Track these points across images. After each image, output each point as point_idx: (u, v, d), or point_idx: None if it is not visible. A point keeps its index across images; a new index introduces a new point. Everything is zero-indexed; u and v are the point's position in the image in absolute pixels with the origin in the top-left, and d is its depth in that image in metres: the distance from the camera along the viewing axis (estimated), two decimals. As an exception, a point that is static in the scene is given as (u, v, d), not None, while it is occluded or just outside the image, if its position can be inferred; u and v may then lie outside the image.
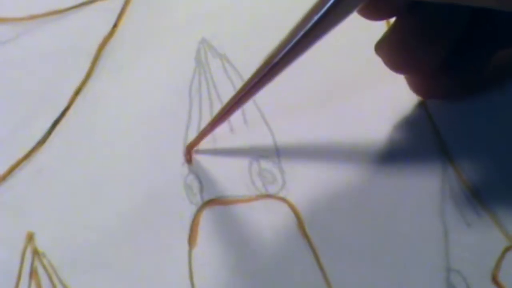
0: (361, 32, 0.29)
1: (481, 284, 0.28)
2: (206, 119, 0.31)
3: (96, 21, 0.33)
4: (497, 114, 0.30)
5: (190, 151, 0.30)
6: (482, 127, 0.30)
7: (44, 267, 0.29)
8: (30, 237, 0.29)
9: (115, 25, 0.33)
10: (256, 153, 0.30)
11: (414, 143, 0.30)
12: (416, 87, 0.30)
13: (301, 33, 0.24)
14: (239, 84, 0.31)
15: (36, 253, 0.29)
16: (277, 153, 0.30)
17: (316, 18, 0.24)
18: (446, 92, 0.30)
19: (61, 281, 0.28)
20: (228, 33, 0.33)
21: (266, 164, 0.30)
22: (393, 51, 0.28)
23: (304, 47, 0.25)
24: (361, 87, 0.31)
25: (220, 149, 0.30)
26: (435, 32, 0.27)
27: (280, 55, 0.25)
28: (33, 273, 0.29)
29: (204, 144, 0.30)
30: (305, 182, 0.30)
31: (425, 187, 0.29)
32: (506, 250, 0.28)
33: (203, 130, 0.29)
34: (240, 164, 0.30)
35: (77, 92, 0.32)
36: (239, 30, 0.33)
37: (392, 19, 0.28)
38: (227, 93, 0.31)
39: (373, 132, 0.30)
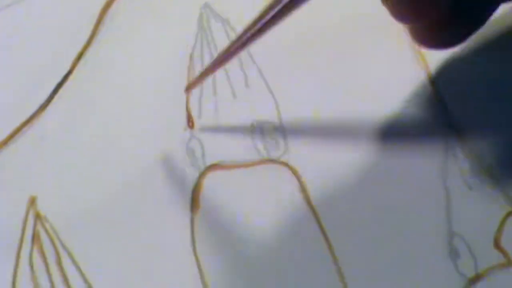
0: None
1: (483, 248, 0.28)
2: (208, 84, 0.31)
3: (98, -15, 0.33)
4: (499, 81, 0.30)
5: (189, 91, 0.30)
6: (483, 92, 0.30)
7: (46, 231, 0.29)
8: (32, 201, 0.29)
9: (117, -11, 0.33)
10: (258, 117, 0.30)
11: (417, 111, 0.30)
12: (419, 37, 0.29)
13: None
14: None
15: (38, 217, 0.29)
16: (280, 117, 0.30)
17: None
18: (449, 41, 0.30)
19: (63, 245, 0.28)
20: (231, -3, 0.33)
21: (268, 129, 0.30)
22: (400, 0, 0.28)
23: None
24: (366, 54, 0.31)
25: (222, 113, 0.30)
26: None
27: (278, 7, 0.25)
28: (35, 236, 0.29)
29: (207, 109, 0.30)
30: (308, 147, 0.30)
31: (427, 153, 0.29)
32: (508, 215, 0.28)
33: (205, 70, 0.29)
34: (242, 128, 0.30)
35: (80, 56, 0.32)
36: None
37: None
38: (229, 58, 0.31)
39: (378, 99, 0.30)
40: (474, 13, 0.28)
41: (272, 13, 0.25)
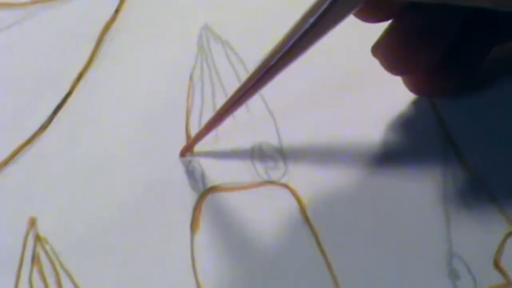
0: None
1: (483, 269, 0.28)
2: (208, 106, 0.31)
3: (97, 6, 0.33)
4: (498, 102, 0.31)
5: (189, 150, 0.30)
6: (483, 114, 0.30)
7: (46, 252, 0.29)
8: (32, 222, 0.29)
9: (117, 10, 0.33)
10: (258, 139, 0.30)
11: (417, 130, 0.30)
12: (413, 86, 0.30)
13: (298, 35, 0.24)
14: (241, 71, 0.32)
15: (38, 238, 0.29)
16: (279, 139, 0.30)
17: (312, 20, 0.24)
18: (444, 89, 0.30)
19: (63, 267, 0.28)
20: (231, 19, 0.33)
21: (268, 150, 0.30)
22: (390, 53, 0.28)
23: (302, 48, 0.25)
24: (365, 77, 0.31)
25: (221, 135, 0.30)
26: (432, 33, 0.27)
27: (278, 56, 0.25)
28: (35, 258, 0.29)
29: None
30: (307, 168, 0.30)
31: (427, 174, 0.29)
32: (508, 235, 0.28)
33: (202, 130, 0.29)
34: (242, 150, 0.30)
35: (79, 78, 0.32)
36: (241, 16, 0.33)
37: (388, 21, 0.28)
38: (229, 79, 0.31)
39: (376, 119, 0.31)
40: (465, 64, 0.29)
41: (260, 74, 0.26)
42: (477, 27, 0.28)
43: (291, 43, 0.25)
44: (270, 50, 0.25)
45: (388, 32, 0.28)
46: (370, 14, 0.26)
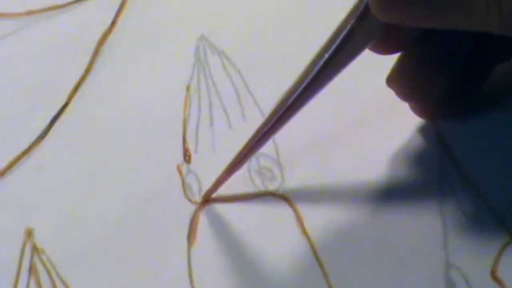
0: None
1: (480, 280, 0.28)
2: (205, 116, 0.31)
3: (94, 17, 0.33)
4: (499, 119, 0.31)
5: (208, 200, 0.30)
6: (480, 128, 0.30)
7: (43, 263, 0.29)
8: (29, 233, 0.29)
9: (113, 22, 0.33)
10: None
11: (413, 140, 0.30)
12: (421, 112, 0.30)
13: (314, 72, 0.25)
14: (238, 81, 0.32)
15: (35, 249, 0.29)
16: (276, 149, 0.30)
17: (326, 57, 0.24)
18: (451, 113, 0.30)
19: (60, 278, 0.28)
20: (227, 30, 0.33)
21: (265, 161, 0.30)
22: (404, 82, 0.28)
23: (316, 88, 0.25)
24: (363, 87, 0.31)
25: (219, 145, 0.30)
26: (443, 61, 0.28)
27: (293, 98, 0.25)
28: (32, 269, 0.29)
29: (203, 141, 0.30)
30: (304, 179, 0.30)
31: (424, 185, 0.29)
32: (505, 246, 0.28)
33: (218, 179, 0.29)
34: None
35: (76, 88, 0.32)
36: (238, 27, 0.33)
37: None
38: (226, 90, 0.31)
39: (374, 129, 0.31)
40: (470, 86, 0.29)
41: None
42: (481, 49, 0.28)
43: (308, 80, 0.25)
44: (288, 88, 0.26)
45: (401, 63, 0.28)
46: (383, 46, 0.26)
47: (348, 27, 0.24)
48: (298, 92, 0.25)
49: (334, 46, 0.24)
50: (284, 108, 0.26)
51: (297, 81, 0.25)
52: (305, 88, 0.25)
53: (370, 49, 0.26)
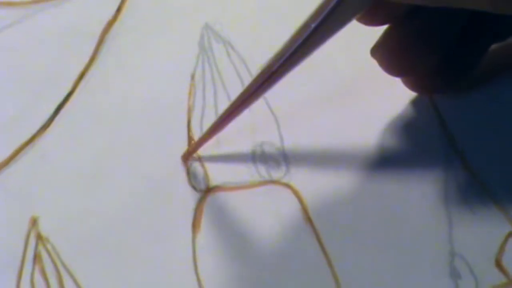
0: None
1: (484, 268, 0.28)
2: (210, 105, 0.31)
3: (99, 5, 0.33)
4: (498, 101, 0.31)
5: (191, 155, 0.30)
6: (484, 114, 0.30)
7: (47, 251, 0.29)
8: (34, 222, 0.29)
9: (118, 9, 0.33)
10: (260, 139, 0.30)
11: (418, 132, 0.30)
12: (412, 86, 0.30)
13: (300, 40, 0.24)
14: (242, 70, 0.32)
15: (39, 237, 0.29)
16: (281, 139, 0.30)
17: (314, 25, 0.24)
18: (443, 88, 0.30)
19: (64, 266, 0.28)
20: (232, 18, 0.33)
21: (269, 150, 0.30)
22: (389, 55, 0.28)
23: (304, 54, 0.25)
24: (367, 77, 0.31)
25: (223, 135, 0.30)
26: (432, 36, 0.27)
27: (281, 61, 0.25)
28: (36, 257, 0.29)
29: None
30: (309, 168, 0.30)
31: (429, 174, 0.29)
32: (509, 234, 0.28)
33: (204, 135, 0.29)
34: (243, 150, 0.30)
35: (81, 77, 0.32)
36: (243, 15, 0.33)
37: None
38: (231, 79, 0.31)
39: (377, 120, 0.31)
40: (463, 63, 0.29)
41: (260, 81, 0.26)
42: (475, 27, 0.28)
43: (293, 48, 0.25)
44: (272, 56, 0.26)
45: (387, 35, 0.28)
46: (371, 18, 0.26)
47: None
48: (281, 61, 0.25)
49: (321, 17, 0.24)
50: (268, 73, 0.26)
51: (280, 50, 0.25)
52: (288, 58, 0.25)
53: (357, 20, 0.26)
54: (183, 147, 0.30)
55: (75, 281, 0.28)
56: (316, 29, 0.24)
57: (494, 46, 0.29)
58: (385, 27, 0.28)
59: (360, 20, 0.26)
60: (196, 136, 0.30)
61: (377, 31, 0.28)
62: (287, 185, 0.29)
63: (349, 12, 0.24)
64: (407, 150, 0.30)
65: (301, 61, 0.25)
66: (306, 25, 0.24)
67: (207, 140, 0.29)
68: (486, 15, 0.23)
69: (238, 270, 0.28)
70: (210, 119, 0.30)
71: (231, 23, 0.32)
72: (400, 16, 0.27)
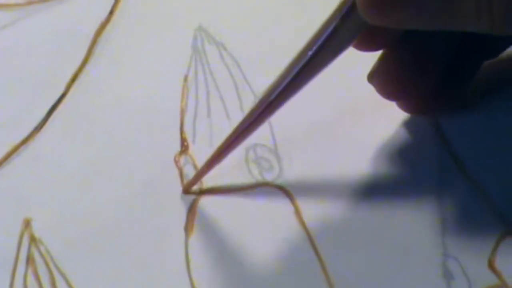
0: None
1: (477, 270, 0.28)
2: (203, 107, 0.31)
3: (92, 7, 0.33)
4: (492, 113, 0.31)
5: (191, 187, 0.30)
6: (476, 122, 0.30)
7: (40, 253, 0.29)
8: (27, 224, 0.29)
9: (111, 12, 0.33)
10: (252, 140, 0.30)
11: (414, 134, 0.30)
12: (408, 109, 0.30)
13: (297, 68, 0.25)
14: (235, 72, 0.32)
15: (33, 239, 0.29)
16: (273, 140, 0.30)
17: (310, 53, 0.24)
18: (437, 110, 0.30)
19: (57, 268, 0.28)
20: (225, 20, 0.33)
21: (262, 152, 0.30)
22: (386, 81, 0.28)
23: (301, 82, 0.25)
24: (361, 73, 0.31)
25: (216, 136, 0.30)
26: (428, 60, 0.28)
27: (278, 90, 0.25)
28: (29, 259, 0.29)
29: (201, 132, 0.30)
30: (302, 169, 0.30)
31: (423, 176, 0.29)
32: (502, 236, 0.28)
33: (201, 170, 0.29)
34: (236, 151, 0.30)
35: (74, 79, 0.32)
36: (236, 17, 0.33)
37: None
38: (224, 80, 0.31)
39: (374, 120, 0.31)
40: (457, 81, 0.29)
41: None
42: (468, 44, 0.28)
43: (291, 76, 0.25)
44: (270, 84, 0.26)
45: (383, 60, 0.28)
46: (366, 44, 0.26)
47: (332, 26, 0.24)
48: (279, 89, 0.25)
49: (317, 44, 0.24)
50: (264, 105, 0.26)
51: (278, 79, 0.25)
52: (286, 87, 0.25)
53: (353, 46, 0.26)
54: (175, 148, 0.30)
55: (68, 283, 0.28)
56: (313, 56, 0.24)
57: (486, 62, 0.30)
58: (380, 52, 0.28)
59: (356, 46, 0.26)
60: (189, 137, 0.30)
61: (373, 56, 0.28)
62: (280, 187, 0.29)
63: (345, 38, 0.24)
64: (401, 151, 0.30)
65: (299, 90, 0.25)
66: (303, 53, 0.24)
67: (206, 172, 0.29)
68: (479, 35, 0.23)
69: (231, 273, 0.28)
70: (202, 121, 0.31)
71: (224, 25, 0.33)
72: (395, 40, 0.27)
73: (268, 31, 0.32)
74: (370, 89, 0.29)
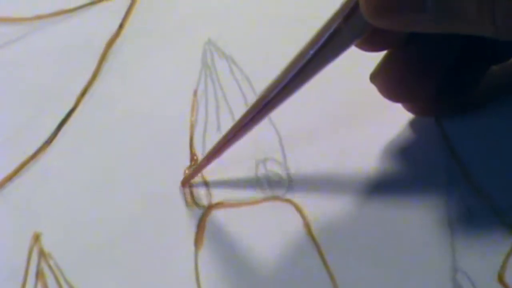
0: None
1: (487, 284, 0.28)
2: (212, 121, 0.31)
3: (102, 22, 0.33)
4: (500, 119, 0.31)
5: (190, 180, 0.30)
6: (485, 130, 0.30)
7: (50, 268, 0.29)
8: (37, 238, 0.29)
9: (121, 26, 0.33)
10: (262, 155, 0.30)
11: (421, 144, 0.30)
12: (413, 110, 0.30)
13: (299, 66, 0.25)
14: (245, 86, 0.32)
15: (42, 253, 0.29)
16: (284, 154, 0.30)
17: (312, 52, 0.24)
18: (443, 111, 0.30)
19: (67, 282, 0.28)
20: (235, 34, 0.33)
21: (272, 166, 0.30)
22: (388, 82, 0.28)
23: (302, 80, 0.25)
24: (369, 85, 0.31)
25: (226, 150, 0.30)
26: (432, 61, 0.27)
27: (279, 87, 0.26)
28: (39, 273, 0.29)
29: (210, 147, 0.30)
30: (311, 184, 0.30)
31: (431, 190, 0.29)
32: (513, 250, 0.28)
33: (202, 162, 0.29)
34: (246, 166, 0.30)
35: (84, 92, 0.32)
36: (245, 31, 0.33)
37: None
38: (234, 95, 0.31)
39: (382, 130, 0.31)
40: (463, 85, 0.29)
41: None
42: (474, 48, 0.28)
43: (292, 74, 0.25)
44: (271, 81, 0.26)
45: (387, 60, 0.28)
46: (370, 44, 0.26)
47: (335, 25, 0.24)
48: (279, 88, 0.25)
49: (319, 43, 0.24)
50: (265, 102, 0.26)
51: (279, 76, 0.25)
52: (287, 84, 0.25)
53: (357, 46, 0.26)
54: (185, 163, 0.30)
55: (77, 297, 0.28)
56: (314, 55, 0.24)
57: (494, 67, 0.30)
58: (384, 52, 0.28)
59: (360, 46, 0.26)
60: (198, 152, 0.30)
61: (377, 56, 0.28)
62: (290, 201, 0.29)
63: (348, 38, 0.24)
64: (410, 167, 0.30)
65: (299, 87, 0.25)
66: (305, 51, 0.25)
67: (206, 165, 0.29)
68: (486, 39, 0.23)
69: (241, 286, 0.28)
70: (212, 135, 0.31)
71: (234, 39, 0.33)
72: (400, 42, 0.27)
73: (277, 45, 0.32)
74: (375, 91, 0.29)
